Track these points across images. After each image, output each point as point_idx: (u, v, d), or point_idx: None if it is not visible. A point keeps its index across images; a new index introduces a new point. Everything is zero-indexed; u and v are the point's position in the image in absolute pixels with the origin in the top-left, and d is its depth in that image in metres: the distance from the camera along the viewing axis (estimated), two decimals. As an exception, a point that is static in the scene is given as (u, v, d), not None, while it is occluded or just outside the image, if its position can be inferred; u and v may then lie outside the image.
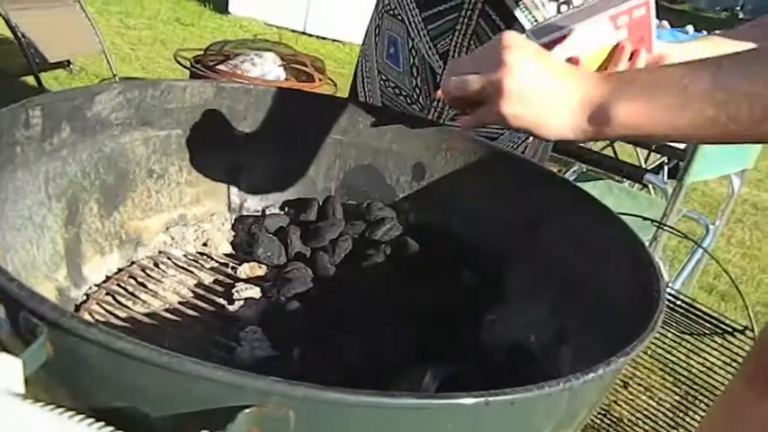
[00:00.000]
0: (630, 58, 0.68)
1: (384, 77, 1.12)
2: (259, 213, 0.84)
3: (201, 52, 2.85)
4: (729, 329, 1.29)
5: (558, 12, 0.94)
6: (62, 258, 0.63)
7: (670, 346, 1.44)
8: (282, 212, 0.85)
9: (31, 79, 2.81)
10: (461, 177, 0.83)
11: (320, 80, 2.85)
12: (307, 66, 2.87)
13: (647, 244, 1.50)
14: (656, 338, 1.46)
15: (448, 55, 1.03)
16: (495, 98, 0.51)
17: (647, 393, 1.48)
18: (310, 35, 5.78)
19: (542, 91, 0.51)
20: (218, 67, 2.74)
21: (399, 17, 1.06)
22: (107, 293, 0.67)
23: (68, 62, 3.23)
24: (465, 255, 0.77)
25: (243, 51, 2.87)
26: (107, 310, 0.65)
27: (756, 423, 0.93)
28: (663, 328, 1.45)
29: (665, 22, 2.26)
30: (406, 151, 0.86)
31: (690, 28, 2.31)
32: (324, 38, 5.75)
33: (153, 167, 0.75)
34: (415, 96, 1.09)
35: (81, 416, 0.28)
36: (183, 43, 4.61)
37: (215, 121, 0.79)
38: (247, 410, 0.31)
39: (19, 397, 0.28)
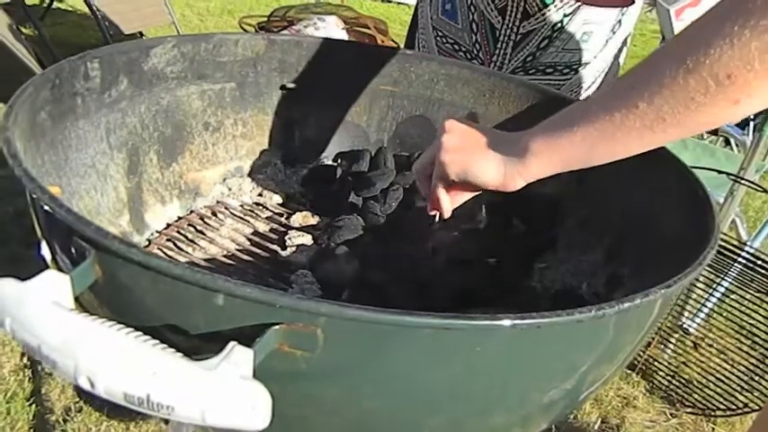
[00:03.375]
0: None
1: (441, 33, 1.10)
2: (313, 164, 0.85)
3: (265, 19, 2.88)
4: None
5: None
6: (125, 205, 0.67)
7: (749, 308, 1.37)
8: (335, 164, 0.85)
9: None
10: (515, 124, 0.80)
11: (382, 41, 2.83)
12: (369, 28, 2.85)
13: (721, 200, 1.42)
14: (733, 300, 1.39)
15: (506, 10, 1.02)
16: (437, 154, 0.56)
17: (722, 356, 1.42)
18: (382, -1, 5.74)
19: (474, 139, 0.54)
20: (281, 33, 2.77)
21: None
22: (167, 239, 0.70)
23: (141, 34, 3.35)
24: (516, 203, 0.75)
25: (306, 16, 2.88)
26: (167, 255, 0.68)
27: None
28: (741, 289, 1.38)
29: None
30: (459, 100, 0.84)
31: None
32: (389, 0, 5.69)
33: (209, 120, 0.77)
34: (475, 52, 1.07)
35: (122, 325, 0.30)
36: (249, 12, 4.69)
37: (268, 74, 0.80)
38: (276, 327, 0.32)
39: (66, 308, 0.30)
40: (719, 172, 1.26)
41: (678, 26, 0.63)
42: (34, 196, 0.37)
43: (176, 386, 0.27)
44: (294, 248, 0.70)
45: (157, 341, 0.30)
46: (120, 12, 2.90)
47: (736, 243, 1.32)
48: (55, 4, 3.37)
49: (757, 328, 1.35)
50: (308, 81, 0.83)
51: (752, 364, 1.36)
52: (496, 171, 0.52)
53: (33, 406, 1.11)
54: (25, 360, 1.19)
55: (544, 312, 0.34)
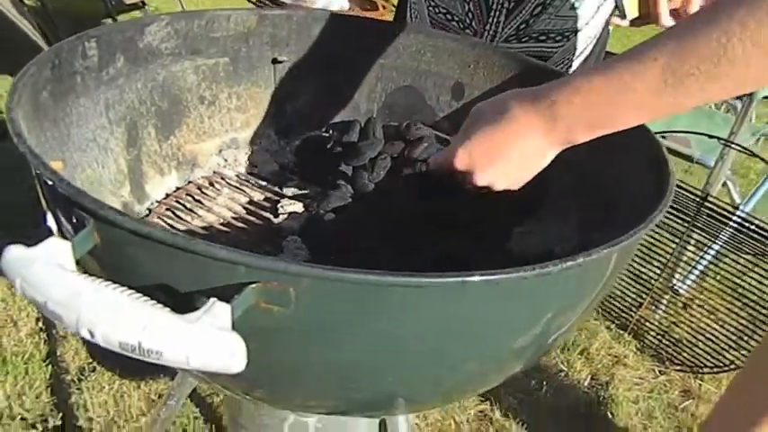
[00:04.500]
0: None
1: (433, 3, 1.11)
2: (305, 135, 0.89)
3: (267, -14, 2.87)
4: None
5: None
6: (125, 177, 0.71)
7: (740, 271, 1.40)
8: (327, 134, 0.89)
9: (109, 22, 2.95)
10: (499, 92, 0.83)
11: (384, 7, 2.82)
12: (371, -6, 2.84)
13: (712, 163, 1.44)
14: (725, 263, 1.42)
15: None
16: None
17: (712, 316, 1.46)
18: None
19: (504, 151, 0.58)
20: (282, 1, 2.77)
21: None
22: (167, 209, 0.74)
23: (143, 3, 3.35)
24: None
25: (307, -18, 2.87)
26: (167, 223, 0.72)
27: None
28: (733, 252, 1.41)
29: None
30: (445, 71, 0.87)
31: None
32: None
33: (204, 94, 0.81)
34: (468, 21, 1.08)
35: (117, 284, 0.34)
36: (252, -22, 4.64)
37: (260, 48, 0.83)
38: (253, 285, 0.36)
39: (69, 269, 0.35)
40: (710, 136, 1.28)
41: None
42: (38, 172, 0.41)
43: (163, 336, 0.32)
44: (286, 216, 0.74)
45: (148, 298, 0.34)
46: (121, -20, 2.90)
47: (727, 207, 1.34)
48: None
49: (747, 289, 1.38)
50: (298, 54, 0.86)
51: (741, 324, 1.40)
52: (540, 157, 0.57)
53: (50, 366, 1.18)
54: (41, 324, 1.26)
55: (503, 269, 0.38)
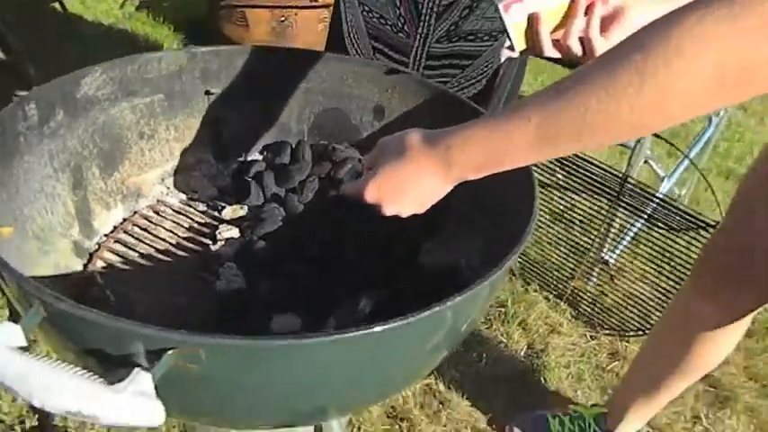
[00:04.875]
0: (587, 12, 0.72)
1: (367, 9, 1.17)
2: (242, 159, 0.97)
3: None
4: (703, 225, 1.38)
5: None
6: (74, 218, 0.79)
7: (663, 241, 1.53)
8: (261, 156, 0.97)
9: (58, 5, 2.91)
10: (414, 116, 0.92)
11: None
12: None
13: (632, 144, 1.56)
14: (656, 231, 1.55)
15: None
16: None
17: (640, 282, 1.60)
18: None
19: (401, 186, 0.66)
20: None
21: None
22: (115, 241, 0.83)
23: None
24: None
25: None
26: (117, 254, 0.81)
27: (688, 322, 1.05)
28: (654, 226, 1.53)
29: None
30: (366, 94, 0.95)
31: None
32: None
33: (143, 130, 0.88)
34: (400, 25, 1.14)
35: (60, 361, 0.44)
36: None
37: (192, 82, 0.91)
38: (170, 352, 0.45)
39: (19, 352, 0.44)
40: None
41: (508, 20, 0.72)
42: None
43: (98, 405, 0.41)
44: (223, 242, 0.83)
45: (85, 370, 0.44)
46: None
47: (644, 186, 1.47)
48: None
49: (674, 254, 1.51)
50: (229, 84, 0.93)
51: (668, 287, 1.54)
52: (438, 190, 0.64)
53: None
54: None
55: (364, 325, 0.47)
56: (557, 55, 0.77)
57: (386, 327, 0.48)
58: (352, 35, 1.21)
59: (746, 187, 0.96)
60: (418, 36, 1.16)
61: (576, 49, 0.74)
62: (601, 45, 0.73)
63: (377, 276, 0.78)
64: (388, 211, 0.69)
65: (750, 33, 0.43)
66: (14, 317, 0.72)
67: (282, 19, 2.71)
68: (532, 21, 0.73)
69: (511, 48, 0.79)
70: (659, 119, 0.49)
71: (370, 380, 0.58)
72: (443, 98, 0.89)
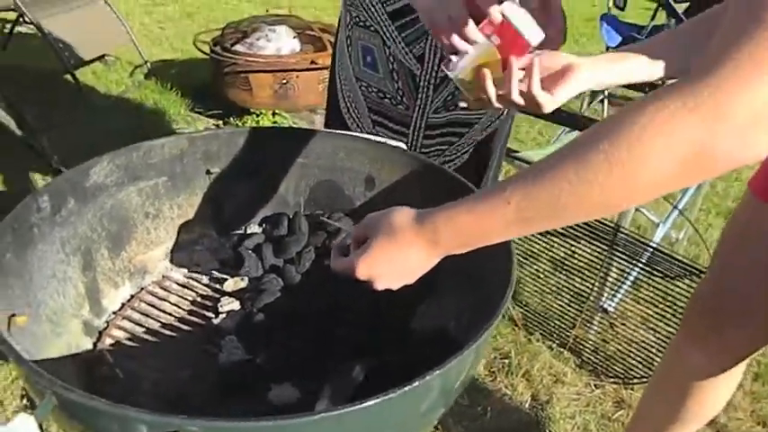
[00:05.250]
0: (504, 67, 0.77)
1: (365, 84, 1.20)
2: (242, 232, 1.02)
3: (219, 33, 2.99)
4: (697, 271, 1.40)
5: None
6: (84, 298, 0.84)
7: (661, 288, 1.55)
8: (260, 229, 1.02)
9: (71, 77, 3.05)
10: (402, 185, 0.98)
11: (330, 42, 2.95)
12: (315, 32, 2.98)
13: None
14: (655, 277, 1.57)
15: (424, 58, 1.11)
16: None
17: (642, 327, 1.61)
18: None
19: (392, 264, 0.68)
20: (235, 47, 2.89)
21: (372, 28, 1.13)
22: (123, 318, 0.87)
23: (104, 54, 3.45)
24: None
25: (258, 27, 3.00)
26: (125, 330, 0.86)
27: (683, 370, 1.07)
28: (650, 274, 1.55)
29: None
30: (358, 167, 1.01)
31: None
32: None
33: (148, 210, 0.94)
34: (399, 98, 1.17)
35: (69, 449, 0.48)
36: (209, 13, 4.75)
37: (194, 163, 0.97)
38: (171, 435, 0.49)
39: (33, 440, 0.48)
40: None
41: (454, 76, 0.79)
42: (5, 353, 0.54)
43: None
44: (225, 315, 0.88)
45: (93, 456, 0.48)
46: (78, 39, 3.00)
47: (636, 236, 1.50)
48: (17, 29, 3.45)
49: (677, 297, 1.53)
50: (229, 163, 0.99)
51: (670, 331, 1.55)
52: (426, 264, 0.67)
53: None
54: (25, 401, 1.37)
55: (353, 403, 0.51)
56: (499, 107, 0.82)
57: (379, 399, 0.52)
58: (351, 110, 1.25)
59: (728, 231, 0.99)
60: (417, 107, 1.18)
61: (520, 102, 0.78)
62: (545, 101, 0.77)
63: (370, 345, 0.82)
64: (380, 286, 0.72)
65: (702, 124, 0.47)
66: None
67: (284, 81, 2.82)
68: (479, 77, 0.78)
69: (463, 99, 0.84)
70: (627, 200, 0.54)
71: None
72: (429, 168, 0.94)
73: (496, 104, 0.80)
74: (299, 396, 0.74)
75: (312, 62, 2.81)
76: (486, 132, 1.25)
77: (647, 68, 0.80)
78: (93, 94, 3.16)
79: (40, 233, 0.76)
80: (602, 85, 0.81)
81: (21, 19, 3.13)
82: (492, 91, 0.79)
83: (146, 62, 3.41)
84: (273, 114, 2.86)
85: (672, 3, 2.65)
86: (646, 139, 0.49)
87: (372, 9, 1.10)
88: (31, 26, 3.04)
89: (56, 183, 0.79)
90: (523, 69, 0.77)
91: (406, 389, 0.54)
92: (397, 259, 0.68)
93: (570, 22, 1.10)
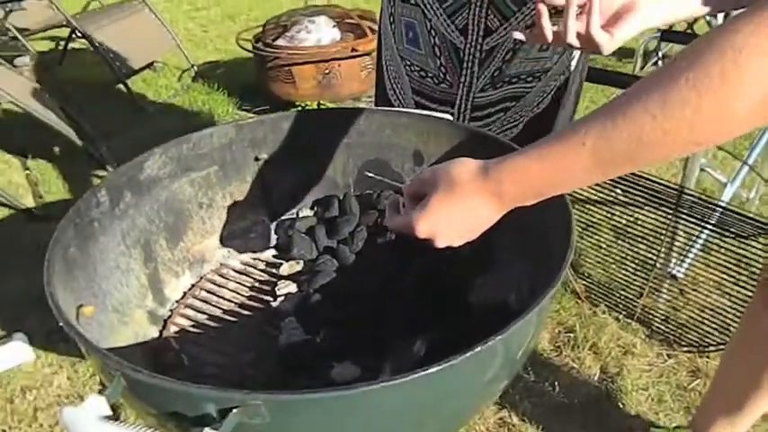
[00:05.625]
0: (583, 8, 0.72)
1: (408, 63, 1.16)
2: (294, 216, 1.03)
3: (260, 30, 3.03)
4: (770, 231, 1.32)
5: None
6: (147, 288, 0.86)
7: (740, 243, 1.47)
8: (312, 212, 1.03)
9: (123, 87, 3.16)
10: (452, 157, 0.95)
11: (373, 31, 2.94)
12: (355, 20, 2.97)
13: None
14: (727, 239, 1.49)
15: (468, 30, 1.04)
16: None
17: (717, 291, 1.54)
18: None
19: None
20: (276, 42, 2.92)
21: (412, 1, 1.08)
22: (185, 306, 0.89)
23: (152, 61, 3.55)
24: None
25: (297, 20, 3.01)
26: (188, 318, 0.87)
27: (762, 334, 1.01)
28: (720, 236, 1.48)
29: None
30: (404, 142, 0.99)
31: None
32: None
33: (201, 201, 0.95)
34: (442, 75, 1.11)
35: (140, 424, 0.49)
36: (248, 12, 4.82)
37: (242, 151, 0.98)
38: (235, 410, 0.50)
39: (106, 422, 0.49)
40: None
41: None
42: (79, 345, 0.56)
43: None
44: (283, 297, 0.89)
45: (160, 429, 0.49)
46: (127, 48, 3.10)
47: (703, 197, 1.43)
48: (70, 45, 3.59)
49: (752, 258, 1.45)
50: (277, 148, 1.00)
51: (743, 297, 1.47)
52: (490, 218, 0.62)
53: None
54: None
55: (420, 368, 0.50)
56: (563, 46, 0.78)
57: (441, 367, 0.51)
58: (397, 91, 1.21)
59: None
60: (461, 85, 1.12)
61: (575, 44, 0.74)
62: (604, 41, 0.72)
63: (428, 320, 0.81)
64: (441, 243, 0.66)
65: None
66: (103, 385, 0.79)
67: (327, 71, 2.83)
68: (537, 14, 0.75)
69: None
70: (718, 133, 0.48)
71: (434, 419, 0.61)
72: (477, 138, 0.92)
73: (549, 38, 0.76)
74: (361, 373, 0.74)
75: (353, 50, 2.80)
76: (539, 109, 1.18)
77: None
78: (144, 100, 3.26)
79: (100, 227, 0.79)
80: (667, 22, 0.76)
81: (73, 34, 3.25)
82: (548, 28, 0.75)
83: (192, 65, 3.49)
84: (318, 105, 2.87)
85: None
86: (742, 61, 0.44)
87: None
88: (83, 40, 3.15)
89: (112, 177, 0.81)
90: (581, 6, 0.73)
91: (469, 354, 0.52)
92: (458, 214, 0.63)
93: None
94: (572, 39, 0.74)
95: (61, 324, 0.56)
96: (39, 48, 3.54)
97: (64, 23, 3.10)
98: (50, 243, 0.67)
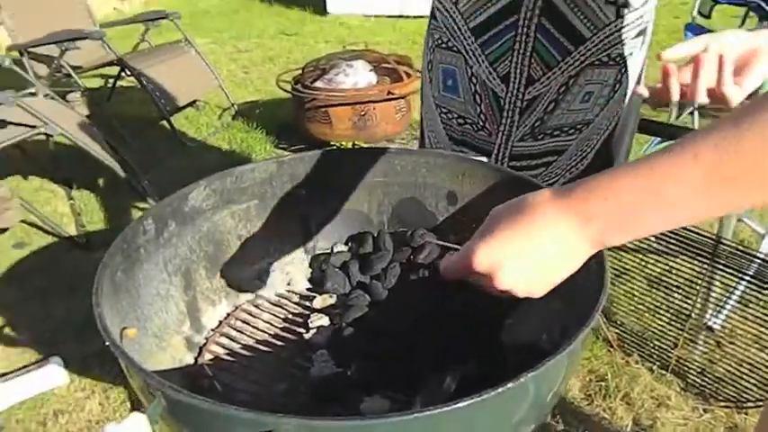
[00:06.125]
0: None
1: (445, 110, 1.16)
2: (329, 250, 1.05)
3: (299, 72, 3.13)
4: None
5: (618, 15, 0.98)
6: (185, 316, 0.88)
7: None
8: (346, 248, 1.05)
9: (166, 123, 3.28)
10: (485, 199, 0.97)
11: (408, 75, 3.01)
12: (392, 65, 3.05)
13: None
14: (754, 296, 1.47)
15: (509, 77, 1.04)
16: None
17: (756, 345, 1.50)
18: (407, 17, 5.95)
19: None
20: (315, 84, 3.01)
21: (454, 48, 1.09)
22: (221, 335, 0.91)
23: (195, 100, 3.69)
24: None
25: (335, 63, 3.11)
26: (223, 347, 0.89)
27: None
28: (759, 287, 1.45)
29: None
30: (439, 182, 1.02)
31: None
32: (422, 16, 5.89)
33: (241, 233, 0.98)
34: (481, 123, 1.11)
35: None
36: (288, 55, 4.99)
37: (282, 186, 1.01)
38: (270, 434, 0.51)
39: (145, 437, 0.51)
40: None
41: None
42: (122, 364, 0.58)
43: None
44: (315, 330, 0.90)
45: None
46: (172, 87, 3.23)
47: (740, 247, 1.41)
48: (119, 83, 3.76)
49: None
50: (314, 185, 1.03)
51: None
52: (573, 254, 0.50)
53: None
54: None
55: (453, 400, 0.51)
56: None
57: (470, 401, 0.51)
58: (431, 139, 1.23)
59: None
60: (500, 134, 1.10)
61: (705, 101, 0.75)
62: (735, 94, 0.73)
63: (460, 357, 0.81)
64: (504, 281, 0.53)
65: None
66: (134, 408, 0.81)
67: (363, 113, 2.90)
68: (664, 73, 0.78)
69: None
70: None
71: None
72: (514, 180, 0.93)
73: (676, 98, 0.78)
74: (390, 407, 0.74)
75: (389, 93, 2.88)
76: (583, 165, 1.16)
77: None
78: (185, 136, 3.38)
79: (146, 253, 0.82)
80: None
81: (122, 72, 3.41)
82: (676, 89, 0.78)
83: (232, 104, 3.62)
84: (353, 146, 2.93)
85: (764, 5, 2.52)
86: None
87: (455, 26, 1.08)
88: (131, 78, 3.30)
89: (159, 207, 0.85)
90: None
91: (500, 390, 0.52)
92: (529, 241, 0.50)
93: (653, 36, 1.07)
94: (703, 97, 0.75)
95: (107, 343, 0.58)
96: (89, 84, 3.72)
97: (115, 62, 3.26)
98: (99, 267, 0.71)
